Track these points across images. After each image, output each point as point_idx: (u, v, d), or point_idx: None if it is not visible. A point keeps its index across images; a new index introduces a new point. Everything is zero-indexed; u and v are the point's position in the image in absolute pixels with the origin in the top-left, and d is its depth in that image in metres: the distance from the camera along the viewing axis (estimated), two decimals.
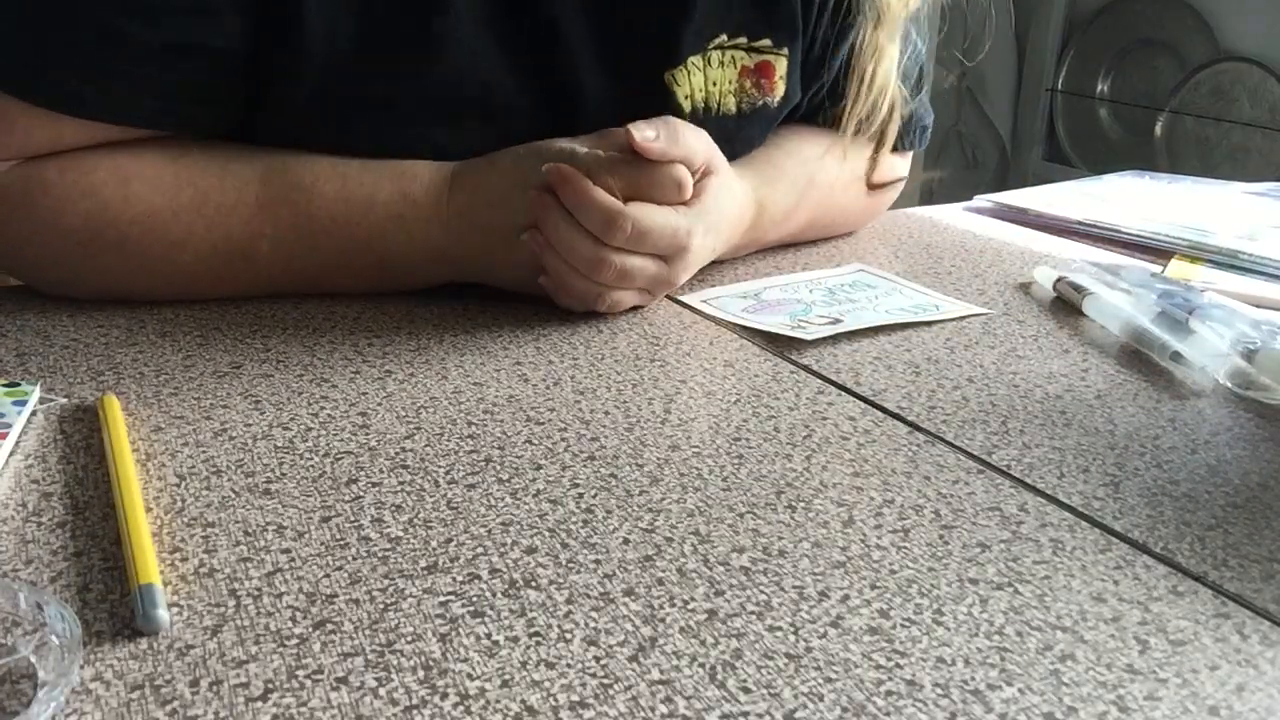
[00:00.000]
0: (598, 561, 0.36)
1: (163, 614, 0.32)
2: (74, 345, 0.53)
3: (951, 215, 0.91)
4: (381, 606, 0.34)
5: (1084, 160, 2.61)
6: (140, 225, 0.55)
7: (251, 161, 0.57)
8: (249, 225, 0.56)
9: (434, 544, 0.37)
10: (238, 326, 0.56)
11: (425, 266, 0.60)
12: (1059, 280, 0.68)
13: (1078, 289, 0.66)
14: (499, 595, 0.34)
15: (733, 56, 0.65)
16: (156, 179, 0.55)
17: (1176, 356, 0.56)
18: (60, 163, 0.55)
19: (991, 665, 0.32)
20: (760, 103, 0.67)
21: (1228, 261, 0.76)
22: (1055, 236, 0.85)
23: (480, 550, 0.37)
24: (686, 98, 0.63)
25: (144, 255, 0.56)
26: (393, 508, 0.39)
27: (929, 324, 0.62)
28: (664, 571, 0.36)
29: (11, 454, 0.42)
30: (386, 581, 0.35)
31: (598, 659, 0.32)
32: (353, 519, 0.38)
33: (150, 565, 0.34)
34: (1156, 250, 0.80)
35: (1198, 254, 0.77)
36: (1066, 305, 0.67)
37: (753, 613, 0.34)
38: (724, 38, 0.65)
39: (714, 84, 0.65)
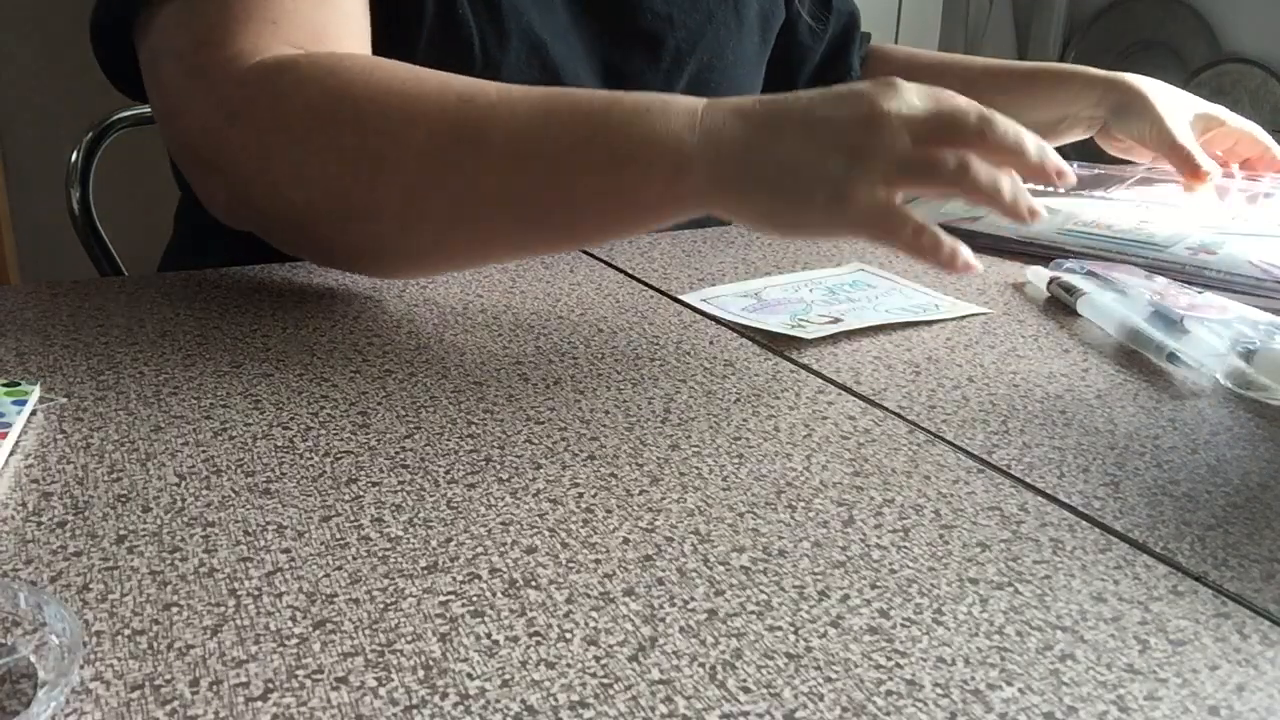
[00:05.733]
0: (598, 561, 0.36)
1: None
2: (74, 345, 0.53)
3: None
4: (381, 606, 0.34)
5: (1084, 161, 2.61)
6: (378, 102, 0.55)
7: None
8: (487, 112, 0.55)
9: (434, 544, 0.37)
10: (238, 326, 0.56)
11: (668, 171, 0.54)
12: (1052, 281, 0.68)
13: (1070, 290, 0.66)
14: (499, 595, 0.34)
15: None
16: (400, 68, 0.57)
17: (1172, 357, 0.56)
18: (309, 53, 0.58)
19: (991, 665, 0.32)
20: None
21: (1194, 278, 0.70)
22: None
23: (480, 550, 0.37)
24: None
25: (377, 131, 0.55)
26: (393, 507, 0.39)
27: (929, 324, 0.62)
28: (664, 571, 0.36)
29: (11, 454, 0.42)
30: (386, 581, 0.35)
31: (598, 659, 0.32)
32: (353, 519, 0.38)
33: None
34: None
35: (1160, 270, 0.71)
36: (1064, 305, 0.67)
37: (753, 612, 0.34)
38: None
39: None
